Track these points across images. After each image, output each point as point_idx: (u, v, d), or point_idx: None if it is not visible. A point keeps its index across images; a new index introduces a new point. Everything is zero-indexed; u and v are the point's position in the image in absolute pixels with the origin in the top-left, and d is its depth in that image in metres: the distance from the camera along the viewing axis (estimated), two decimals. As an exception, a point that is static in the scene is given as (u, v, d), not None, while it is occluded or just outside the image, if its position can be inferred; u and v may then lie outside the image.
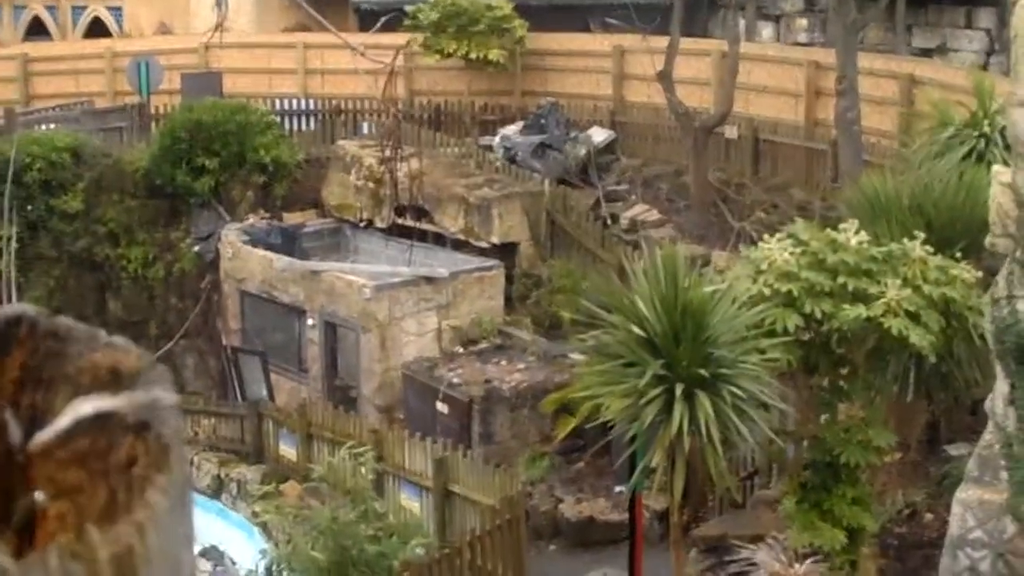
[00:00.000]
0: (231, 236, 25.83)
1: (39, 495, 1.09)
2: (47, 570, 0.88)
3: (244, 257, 25.35)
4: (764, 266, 14.35)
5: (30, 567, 0.88)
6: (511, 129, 29.05)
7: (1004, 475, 12.42)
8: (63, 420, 1.11)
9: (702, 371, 13.48)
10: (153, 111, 30.29)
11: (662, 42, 26.91)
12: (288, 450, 21.90)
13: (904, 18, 29.15)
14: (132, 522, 0.95)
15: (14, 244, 22.40)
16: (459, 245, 25.52)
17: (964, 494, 12.87)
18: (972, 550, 12.49)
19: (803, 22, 32.08)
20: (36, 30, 37.57)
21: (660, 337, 13.66)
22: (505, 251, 25.23)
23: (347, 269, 24.62)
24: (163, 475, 1.01)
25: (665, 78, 26.28)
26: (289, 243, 25.92)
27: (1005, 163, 13.22)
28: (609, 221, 26.47)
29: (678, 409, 13.36)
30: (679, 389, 13.40)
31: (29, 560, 0.89)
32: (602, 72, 30.91)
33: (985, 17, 30.89)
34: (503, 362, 22.42)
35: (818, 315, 13.86)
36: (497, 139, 28.76)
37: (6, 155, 24.31)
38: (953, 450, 16.43)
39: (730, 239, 23.42)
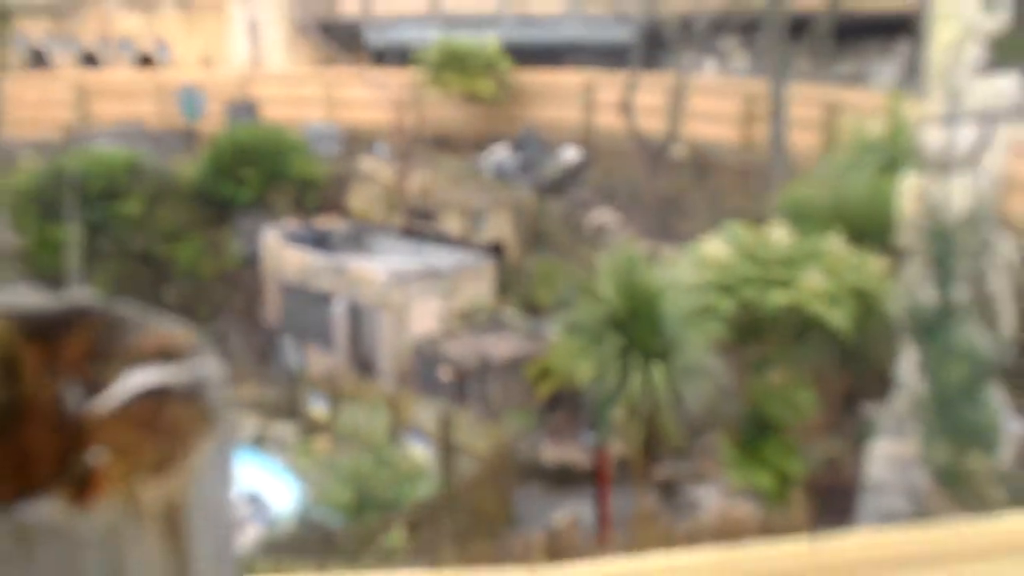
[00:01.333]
0: (270, 237, 25.49)
1: (96, 453, 1.14)
2: (101, 519, 0.85)
3: (282, 254, 25.05)
4: (706, 259, 14.52)
5: (86, 517, 0.84)
6: (499, 149, 28.79)
7: (913, 431, 12.24)
8: (119, 389, 1.06)
9: (655, 345, 13.56)
10: (199, 133, 29.70)
11: (623, 76, 26.76)
12: (318, 410, 21.77)
13: (828, 49, 28.98)
14: (177, 476, 0.90)
15: (80, 242, 21.70)
16: (458, 243, 25.23)
17: (878, 446, 12.74)
18: (886, 494, 12.38)
19: (740, 57, 31.66)
20: (88, 61, 36.87)
21: (621, 317, 13.79)
22: (495, 249, 25.08)
23: (367, 263, 24.52)
24: (205, 435, 0.97)
25: (626, 107, 26.29)
26: (319, 242, 25.47)
27: (913, 174, 12.84)
28: (578, 224, 26.22)
29: (636, 375, 13.48)
30: (636, 359, 13.53)
31: (85, 511, 0.84)
32: (573, 102, 30.37)
33: (899, 47, 30.68)
34: (493, 337, 22.12)
35: (750, 299, 13.92)
36: (488, 157, 28.57)
37: (69, 165, 24.05)
38: (867, 410, 15.58)
39: (679, 238, 22.16)
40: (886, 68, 31.79)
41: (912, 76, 27.78)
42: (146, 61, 36.97)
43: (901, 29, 29.86)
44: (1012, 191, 16.11)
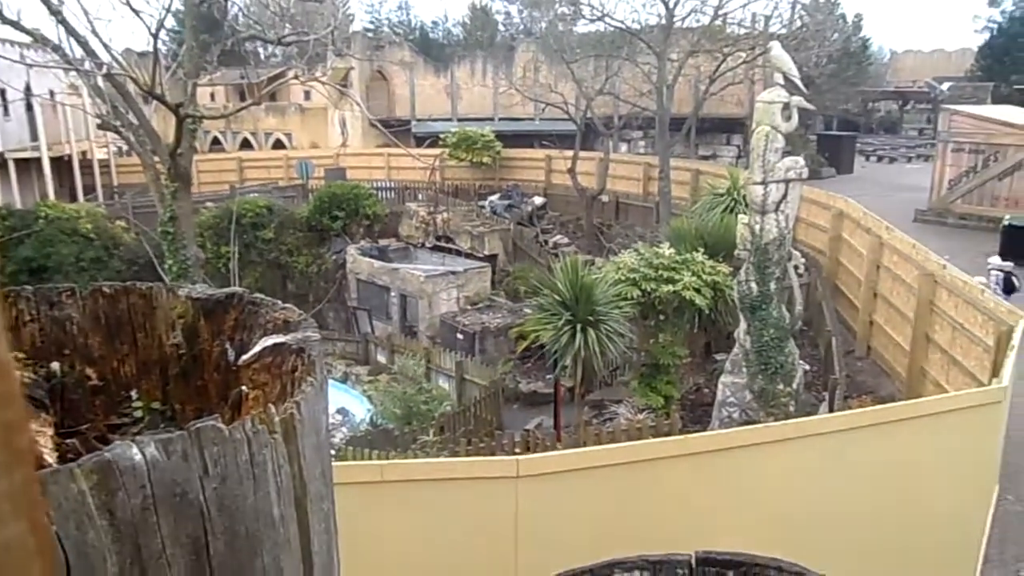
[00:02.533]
0: (351, 251, 25.47)
1: (243, 388, 1.11)
2: (245, 428, 0.84)
3: (358, 262, 24.98)
4: (621, 265, 14.20)
5: (237, 428, 0.83)
6: (493, 197, 28.80)
7: (744, 370, 12.11)
8: (256, 347, 1.11)
9: (590, 317, 13.36)
10: (310, 188, 29.74)
11: (570, 153, 26.56)
12: (381, 358, 21.76)
13: (694, 138, 28.85)
14: (293, 402, 0.91)
15: (236, 255, 21.27)
16: (468, 255, 25.14)
17: (724, 379, 12.63)
18: (728, 408, 12.33)
19: (642, 142, 31.69)
20: (245, 144, 37.41)
21: (568, 300, 13.59)
22: (491, 258, 24.96)
23: (411, 267, 24.46)
24: (311, 377, 0.99)
25: (571, 171, 26.10)
26: (381, 255, 25.60)
27: (744, 213, 12.57)
28: (543, 244, 26.16)
29: (578, 336, 13.30)
30: (578, 327, 13.33)
31: (236, 424, 0.84)
32: (539, 168, 30.40)
33: (737, 138, 30.82)
34: (490, 314, 21.96)
35: (648, 290, 13.63)
36: (486, 202, 28.48)
37: (232, 208, 23.58)
38: (719, 357, 15.38)
39: (604, 252, 22.64)
40: (727, 150, 31.76)
41: (743, 156, 29.03)
42: (279, 145, 36.91)
43: (737, 127, 30.38)
44: (799, 224, 16.38)
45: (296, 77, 20.61)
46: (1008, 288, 13.22)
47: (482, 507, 5.64)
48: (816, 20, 26.42)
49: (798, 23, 26.03)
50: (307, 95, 36.34)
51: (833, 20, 29.02)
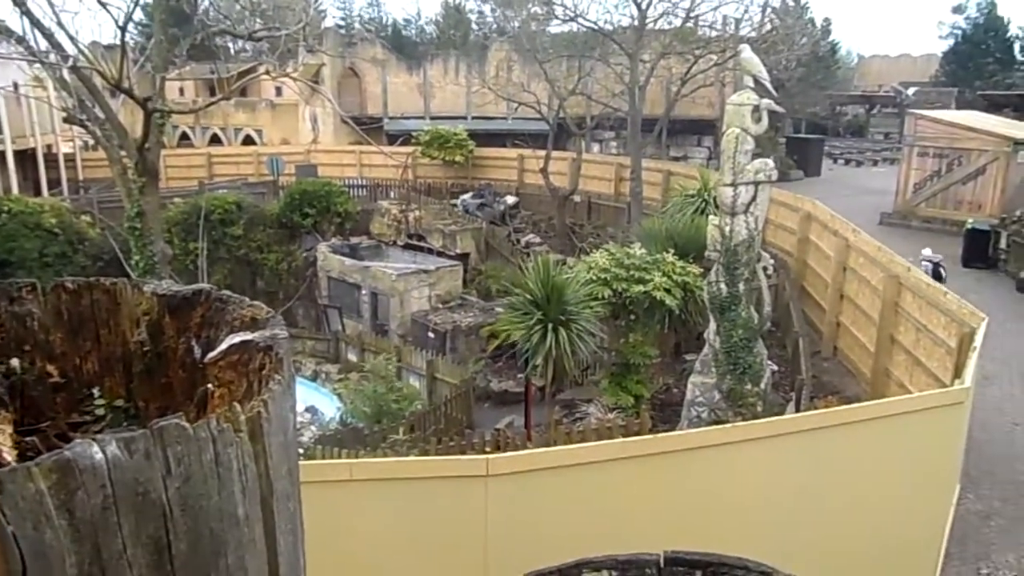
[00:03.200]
0: (322, 248, 25.29)
1: (209, 386, 1.10)
2: (210, 427, 0.83)
3: (329, 259, 24.82)
4: (592, 264, 14.14)
5: (202, 426, 0.82)
6: (466, 196, 28.65)
7: (713, 370, 12.11)
8: (223, 344, 1.10)
9: (561, 317, 13.29)
10: (281, 184, 29.51)
11: (542, 152, 26.45)
12: (352, 357, 21.58)
13: (665, 140, 29.04)
14: (260, 400, 0.91)
15: (205, 252, 21.03)
16: (440, 254, 24.92)
17: (693, 379, 12.57)
18: (697, 407, 12.31)
19: (614, 143, 31.57)
20: (215, 139, 36.80)
21: (540, 300, 13.50)
22: (463, 257, 24.76)
23: (382, 265, 24.27)
24: (279, 375, 0.99)
25: (544, 171, 26.05)
26: (352, 252, 25.36)
27: (715, 214, 12.55)
28: (515, 243, 26.03)
29: (549, 336, 13.21)
30: (549, 326, 13.24)
31: (201, 422, 0.83)
32: (512, 167, 30.28)
33: (708, 140, 30.93)
34: (461, 312, 21.78)
35: (619, 290, 13.60)
36: (459, 201, 28.34)
37: (201, 204, 23.40)
38: (688, 357, 15.52)
39: (576, 251, 22.52)
40: (698, 152, 31.96)
41: (714, 157, 28.85)
42: (249, 141, 36.53)
43: (708, 128, 30.60)
44: (768, 226, 16.47)
45: (267, 72, 20.31)
46: (936, 277, 13.55)
47: (452, 506, 5.63)
48: (786, 24, 26.72)
49: (768, 27, 26.29)
50: (278, 91, 35.99)
51: (802, 24, 29.42)
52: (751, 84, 11.41)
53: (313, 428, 16.75)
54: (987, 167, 20.37)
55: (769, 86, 11.48)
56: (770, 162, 11.59)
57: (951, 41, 47.90)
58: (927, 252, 15.35)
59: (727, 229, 11.59)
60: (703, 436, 6.50)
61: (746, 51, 11.72)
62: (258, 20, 19.71)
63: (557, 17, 25.39)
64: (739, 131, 11.17)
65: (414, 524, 5.54)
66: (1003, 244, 17.56)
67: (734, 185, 11.31)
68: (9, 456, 0.90)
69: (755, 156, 11.48)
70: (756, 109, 11.18)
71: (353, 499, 5.50)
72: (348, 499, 5.46)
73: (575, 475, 5.77)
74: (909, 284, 11.45)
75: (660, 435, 6.84)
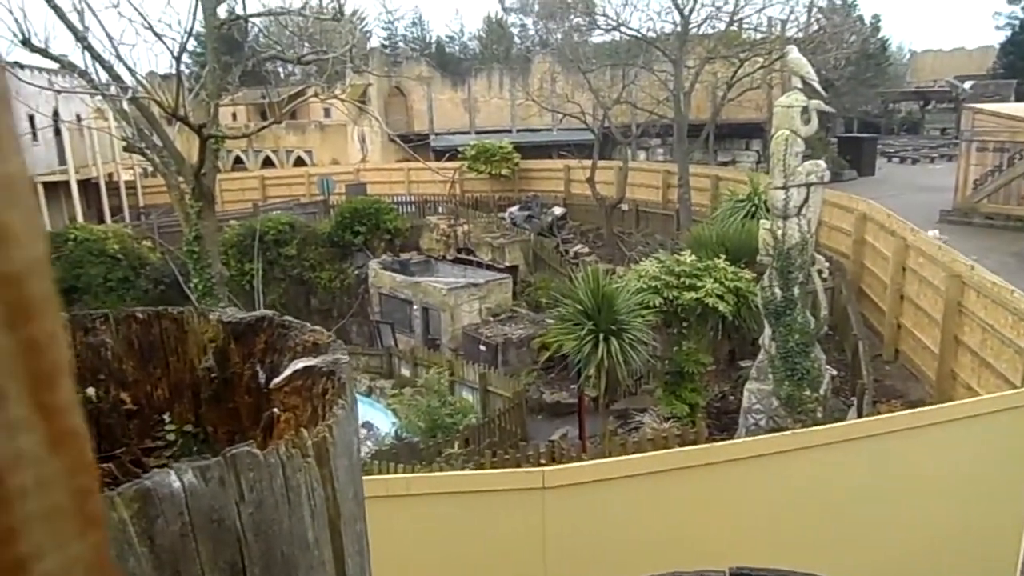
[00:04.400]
0: (373, 265, 25.52)
1: (275, 411, 1.10)
2: (279, 453, 0.84)
3: (380, 276, 25.00)
4: (643, 273, 14.09)
5: (272, 453, 0.83)
6: (513, 208, 28.74)
7: (770, 376, 11.92)
8: (287, 370, 1.11)
9: (612, 327, 13.16)
10: (331, 203, 29.86)
11: (588, 162, 26.34)
12: (405, 371, 21.57)
13: (712, 145, 28.80)
14: (325, 425, 0.92)
15: (260, 272, 21.27)
16: (489, 267, 25.08)
17: (749, 386, 12.43)
18: (755, 415, 12.16)
19: (660, 150, 31.52)
20: (267, 162, 37.58)
21: (590, 310, 13.40)
22: (512, 269, 24.86)
23: (432, 280, 24.38)
24: (342, 399, 0.99)
25: (590, 181, 26.00)
26: (403, 268, 25.52)
27: (766, 218, 12.56)
28: (563, 254, 26.00)
29: (601, 346, 13.09)
30: (601, 336, 13.14)
31: (271, 449, 0.84)
32: (558, 178, 30.35)
33: (756, 143, 30.71)
34: (512, 325, 21.83)
35: (670, 297, 13.50)
36: (506, 214, 28.42)
37: (255, 226, 24.01)
38: (743, 363, 15.18)
39: (625, 260, 22.41)
40: (747, 156, 31.58)
41: (763, 161, 28.54)
42: (300, 162, 37.16)
43: (756, 132, 30.25)
44: (822, 228, 16.15)
45: (316, 95, 20.76)
46: None
47: (509, 520, 5.59)
48: (833, 23, 26.25)
49: (815, 26, 25.88)
50: (327, 112, 36.56)
51: (851, 22, 28.85)
52: (799, 85, 11.24)
53: (369, 443, 16.76)
54: (1051, 160, 19.69)
55: (818, 86, 11.29)
56: (822, 163, 11.40)
57: (1008, 32, 46.44)
58: (933, 233, 14.99)
59: (779, 233, 11.42)
60: (764, 444, 6.34)
61: (793, 52, 11.56)
62: (306, 44, 20.10)
63: (600, 27, 25.38)
64: (788, 133, 11.01)
65: (471, 539, 5.52)
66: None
67: (785, 188, 11.14)
68: (90, 484, 0.93)
69: (806, 158, 11.30)
70: (805, 110, 11.00)
71: (410, 514, 5.52)
72: (406, 513, 5.49)
73: (633, 486, 5.69)
74: (973, 283, 11.11)
75: (720, 443, 6.74)
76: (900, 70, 52.62)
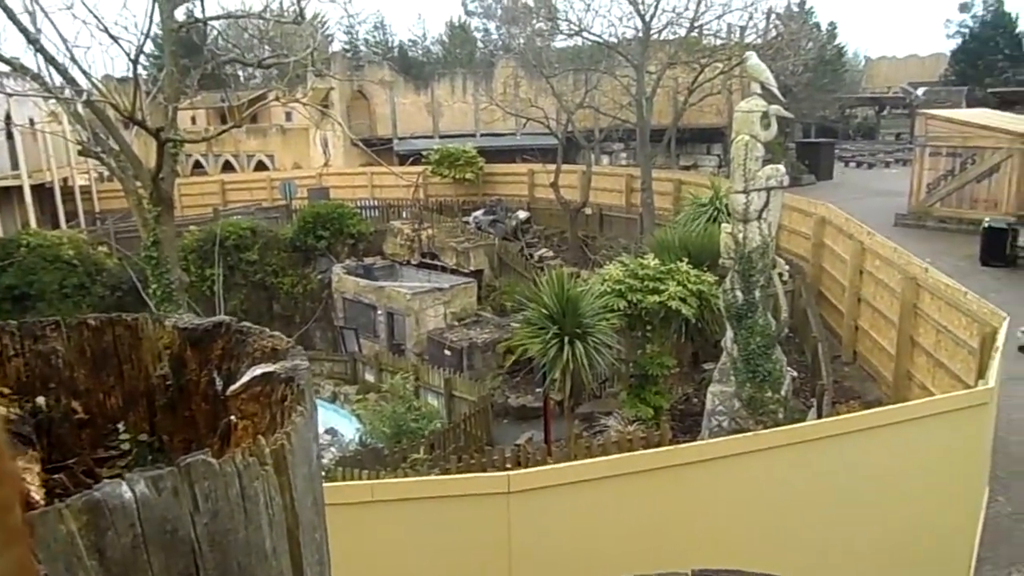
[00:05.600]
0: (337, 270, 25.43)
1: (232, 418, 1.09)
2: (235, 462, 0.83)
3: (344, 281, 24.94)
4: (607, 276, 14.10)
5: (228, 461, 0.82)
6: (477, 213, 28.65)
7: (732, 378, 12.01)
8: (245, 377, 1.10)
9: (577, 330, 13.17)
10: (294, 208, 29.67)
11: (552, 166, 26.46)
12: (369, 377, 21.56)
13: (674, 149, 28.88)
14: (284, 433, 0.90)
15: (221, 278, 21.03)
16: (453, 271, 25.00)
17: (712, 388, 12.50)
18: (718, 417, 12.22)
19: (623, 154, 31.48)
20: (227, 166, 37.08)
21: (555, 313, 13.40)
22: (476, 274, 24.83)
23: (397, 284, 24.30)
24: (301, 406, 0.98)
25: (554, 185, 26.06)
26: (367, 273, 25.44)
27: (727, 222, 12.60)
28: (528, 258, 26.06)
29: (566, 350, 13.10)
30: (566, 340, 13.14)
31: (227, 457, 0.83)
32: (522, 183, 30.34)
33: (716, 147, 31.03)
34: (477, 329, 21.87)
35: (634, 300, 13.54)
36: (470, 218, 28.35)
37: (216, 231, 23.78)
38: (706, 366, 15.32)
39: (590, 264, 22.54)
40: (708, 160, 31.94)
41: (724, 165, 28.78)
42: (261, 166, 36.77)
43: (717, 136, 30.61)
44: (782, 231, 16.36)
45: (277, 98, 20.50)
46: None
47: (474, 524, 5.60)
48: (791, 30, 26.68)
49: (773, 33, 26.27)
50: (288, 116, 36.14)
51: (807, 29, 29.34)
52: (759, 90, 11.41)
53: (333, 450, 16.62)
54: (1001, 164, 20.20)
55: (776, 92, 11.47)
56: (781, 168, 11.57)
57: (959, 40, 47.70)
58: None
59: (740, 236, 11.55)
60: (726, 445, 6.42)
61: (752, 58, 11.71)
62: (266, 47, 19.88)
63: (562, 32, 25.47)
64: (748, 138, 11.15)
65: (437, 543, 5.52)
66: (1021, 242, 17.37)
67: (746, 192, 11.28)
68: (38, 495, 0.89)
69: (766, 162, 11.45)
70: (765, 115, 11.16)
71: (375, 520, 5.48)
72: (370, 520, 5.45)
73: (598, 489, 5.72)
74: (927, 285, 11.36)
75: (683, 445, 6.78)
76: (856, 76, 53.67)
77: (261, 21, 18.33)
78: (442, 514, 5.57)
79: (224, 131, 21.39)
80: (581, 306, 13.56)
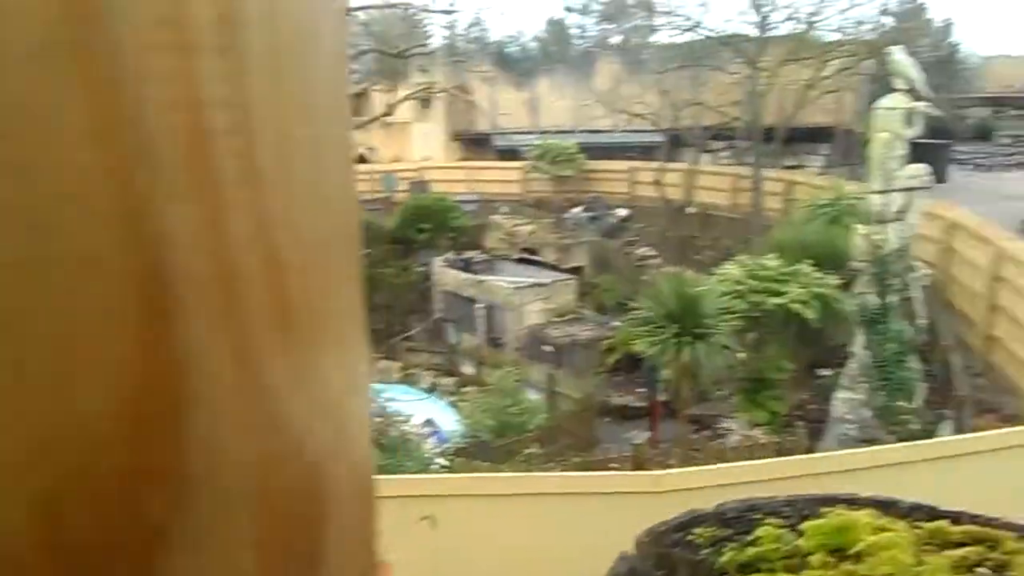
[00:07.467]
0: (438, 263, 25.58)
1: None
2: None
3: (444, 274, 25.08)
4: (725, 276, 14.01)
5: None
6: (577, 209, 28.40)
7: (862, 386, 11.76)
8: None
9: (697, 330, 13.02)
10: (394, 201, 29.66)
11: (654, 164, 26.35)
12: (468, 370, 21.53)
13: (780, 148, 27.22)
14: None
15: None
16: (552, 267, 24.81)
17: (839, 395, 12.25)
18: (846, 425, 11.96)
19: (724, 153, 30.01)
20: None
21: (675, 312, 13.30)
22: (575, 270, 24.64)
23: (498, 279, 24.24)
24: None
25: (657, 183, 25.89)
26: (466, 266, 25.28)
27: (854, 223, 12.65)
28: (628, 256, 25.31)
29: (685, 350, 12.96)
30: (684, 339, 12.98)
31: None
32: (623, 180, 29.82)
33: (823, 147, 29.80)
34: (577, 326, 21.63)
35: (755, 302, 13.40)
36: (570, 214, 28.06)
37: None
38: (821, 372, 14.88)
39: (694, 264, 21.23)
40: (814, 160, 30.91)
41: (832, 165, 27.45)
42: (362, 159, 37.41)
43: (824, 135, 29.58)
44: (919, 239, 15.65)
45: (379, 92, 20.77)
46: None
47: (620, 523, 5.48)
48: (907, 26, 25.56)
49: (886, 28, 25.25)
50: (390, 110, 36.88)
51: (922, 24, 28.08)
52: (902, 86, 10.90)
53: (432, 440, 16.51)
54: None
55: (923, 88, 10.94)
56: (925, 167, 11.08)
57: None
58: None
59: (877, 238, 11.16)
60: (871, 456, 6.20)
61: (898, 53, 11.23)
62: (369, 41, 20.05)
63: (676, 27, 25.17)
64: (890, 136, 10.71)
65: (578, 542, 5.44)
66: None
67: (885, 192, 10.81)
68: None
69: (908, 162, 10.96)
70: (908, 113, 10.67)
71: (513, 515, 5.46)
72: (508, 515, 5.43)
73: (751, 493, 5.53)
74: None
75: (829, 453, 6.57)
76: (970, 75, 51.19)
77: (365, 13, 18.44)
78: (584, 512, 5.51)
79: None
80: (701, 306, 13.30)
